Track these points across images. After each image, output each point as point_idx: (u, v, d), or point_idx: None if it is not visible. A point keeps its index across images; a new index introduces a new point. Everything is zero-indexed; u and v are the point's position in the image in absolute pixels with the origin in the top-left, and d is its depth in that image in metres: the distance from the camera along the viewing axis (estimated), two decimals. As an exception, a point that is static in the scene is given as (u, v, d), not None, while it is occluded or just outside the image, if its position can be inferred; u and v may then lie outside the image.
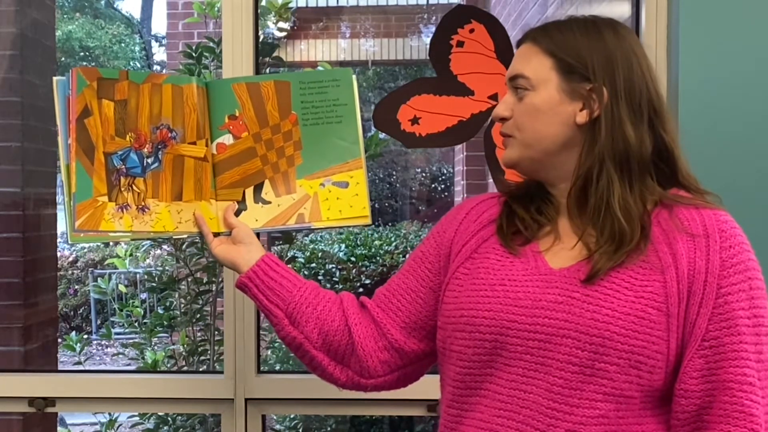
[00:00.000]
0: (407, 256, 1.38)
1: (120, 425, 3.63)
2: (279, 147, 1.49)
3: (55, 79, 1.41)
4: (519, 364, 1.18)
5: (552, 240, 1.25)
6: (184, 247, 3.12)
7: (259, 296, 1.37)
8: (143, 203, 1.44)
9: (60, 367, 4.04)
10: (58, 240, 3.24)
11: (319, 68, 3.72)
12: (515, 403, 1.17)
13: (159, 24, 14.82)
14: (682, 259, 1.16)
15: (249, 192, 1.49)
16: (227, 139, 1.50)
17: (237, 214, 1.49)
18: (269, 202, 1.49)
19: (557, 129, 1.22)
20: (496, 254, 1.27)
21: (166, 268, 3.46)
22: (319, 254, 4.63)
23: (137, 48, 14.41)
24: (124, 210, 1.42)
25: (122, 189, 1.42)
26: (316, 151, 1.49)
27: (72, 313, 8.09)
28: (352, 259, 4.58)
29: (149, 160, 1.45)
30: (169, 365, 3.30)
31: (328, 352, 1.35)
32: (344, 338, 1.34)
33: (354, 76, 1.51)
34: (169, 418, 3.17)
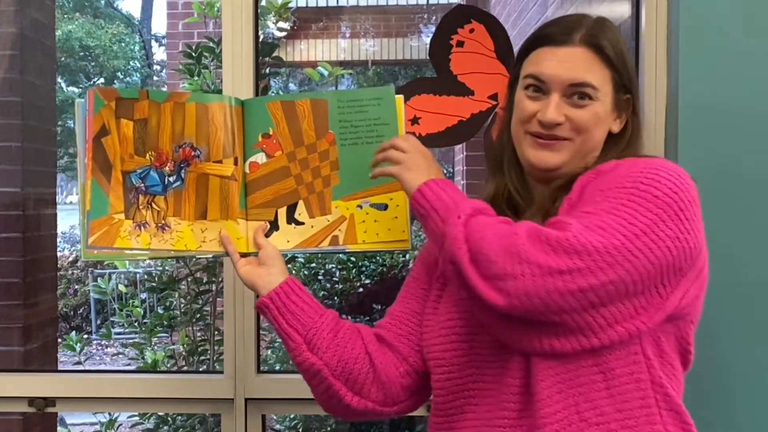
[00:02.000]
0: (406, 256, 1.38)
1: (120, 425, 3.63)
2: (314, 167, 1.44)
3: (76, 101, 1.39)
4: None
5: None
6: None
7: (279, 319, 1.33)
8: (163, 221, 1.40)
9: (60, 367, 4.05)
10: (58, 240, 3.24)
11: (319, 68, 3.70)
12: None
13: (159, 24, 14.87)
14: (576, 187, 1.19)
15: (282, 212, 1.45)
16: (260, 158, 1.45)
17: (269, 234, 1.44)
18: (302, 223, 1.44)
19: (603, 137, 1.25)
20: None
21: (166, 268, 3.46)
22: (319, 254, 4.62)
23: (137, 48, 14.42)
24: (142, 228, 1.39)
25: (140, 207, 1.39)
26: (355, 172, 1.42)
27: (72, 313, 8.10)
28: (352, 258, 4.57)
29: (171, 179, 1.41)
30: (169, 365, 3.30)
31: (347, 381, 1.31)
32: (364, 366, 1.32)
33: (399, 97, 1.43)
34: (169, 418, 3.17)
